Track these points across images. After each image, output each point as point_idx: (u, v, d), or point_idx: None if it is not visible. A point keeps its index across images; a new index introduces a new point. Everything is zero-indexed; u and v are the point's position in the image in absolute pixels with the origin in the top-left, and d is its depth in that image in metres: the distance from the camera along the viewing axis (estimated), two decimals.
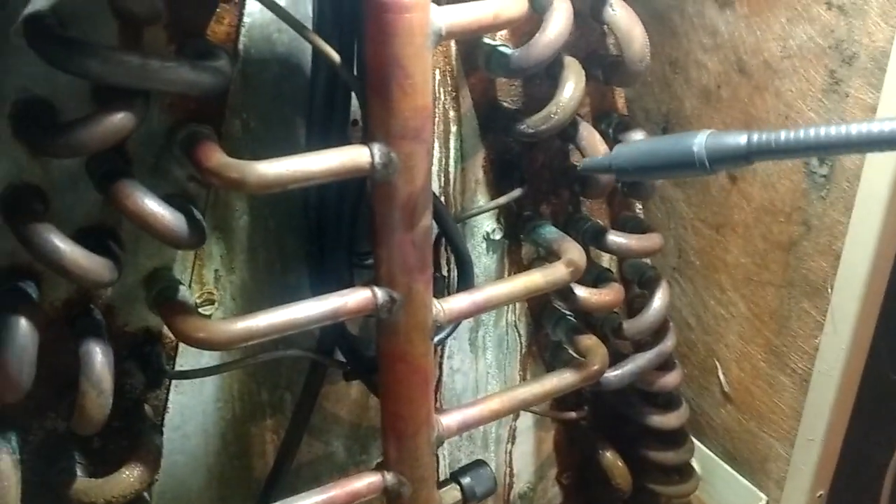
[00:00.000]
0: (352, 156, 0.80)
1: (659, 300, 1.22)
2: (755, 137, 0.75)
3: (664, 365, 1.29)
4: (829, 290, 1.16)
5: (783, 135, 0.72)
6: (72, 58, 0.72)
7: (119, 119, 0.76)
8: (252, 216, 0.98)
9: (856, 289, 1.13)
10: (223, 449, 1.08)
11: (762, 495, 1.35)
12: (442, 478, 1.06)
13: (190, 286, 0.97)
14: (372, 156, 0.80)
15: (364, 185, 0.94)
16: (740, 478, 1.39)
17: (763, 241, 1.25)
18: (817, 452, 1.25)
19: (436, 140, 1.06)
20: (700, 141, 0.80)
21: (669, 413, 1.33)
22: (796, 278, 1.21)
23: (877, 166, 1.06)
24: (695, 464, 1.41)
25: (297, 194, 0.97)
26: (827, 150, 0.71)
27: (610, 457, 1.35)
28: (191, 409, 1.03)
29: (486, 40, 1.04)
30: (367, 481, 0.96)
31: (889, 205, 1.07)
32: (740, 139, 0.76)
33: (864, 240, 1.10)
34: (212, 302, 0.99)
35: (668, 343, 1.26)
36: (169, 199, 0.83)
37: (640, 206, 1.30)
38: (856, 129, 0.67)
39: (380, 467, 0.98)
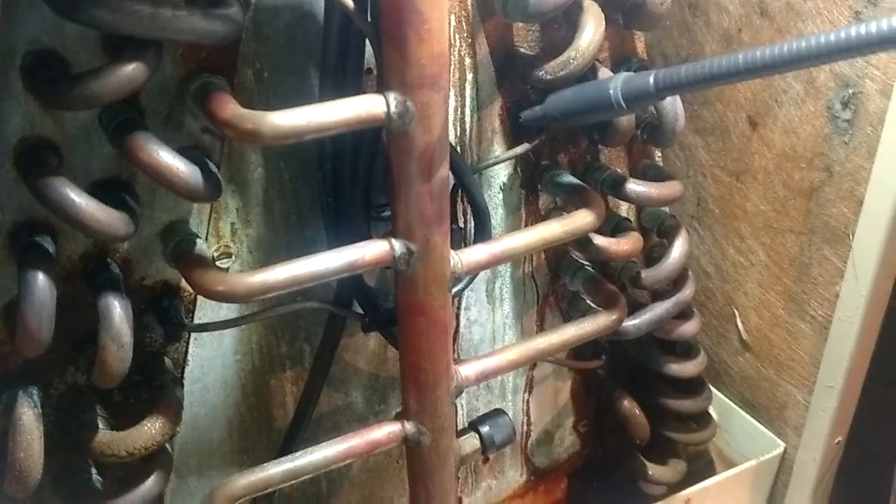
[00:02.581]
0: (367, 105, 0.79)
1: (678, 249, 1.21)
2: (660, 75, 0.82)
3: (682, 313, 1.28)
4: (851, 236, 1.15)
5: (683, 69, 0.79)
6: (81, 8, 0.70)
7: (130, 70, 0.75)
8: (267, 168, 0.97)
9: (878, 235, 1.11)
10: (243, 400, 1.09)
11: (780, 442, 1.35)
12: (460, 427, 1.06)
13: (206, 239, 0.97)
14: (388, 105, 0.79)
15: (380, 136, 0.92)
16: (758, 425, 1.39)
17: (784, 188, 1.23)
18: (836, 399, 1.24)
19: (451, 88, 1.04)
20: (616, 84, 0.88)
21: (687, 361, 1.33)
22: (817, 225, 1.20)
23: None
24: (712, 411, 1.42)
25: (312, 146, 0.96)
26: (721, 78, 0.76)
27: (627, 405, 1.35)
28: (210, 361, 1.04)
29: None
30: (386, 431, 0.96)
31: None
32: (649, 78, 0.83)
33: (888, 186, 1.08)
34: (229, 255, 0.99)
35: (687, 292, 1.25)
36: (184, 152, 0.82)
37: (659, 154, 1.28)
38: (742, 57, 0.73)
39: (399, 417, 0.98)
